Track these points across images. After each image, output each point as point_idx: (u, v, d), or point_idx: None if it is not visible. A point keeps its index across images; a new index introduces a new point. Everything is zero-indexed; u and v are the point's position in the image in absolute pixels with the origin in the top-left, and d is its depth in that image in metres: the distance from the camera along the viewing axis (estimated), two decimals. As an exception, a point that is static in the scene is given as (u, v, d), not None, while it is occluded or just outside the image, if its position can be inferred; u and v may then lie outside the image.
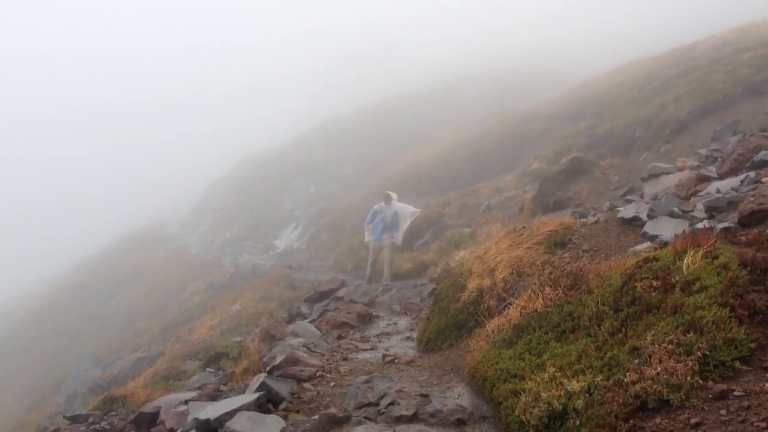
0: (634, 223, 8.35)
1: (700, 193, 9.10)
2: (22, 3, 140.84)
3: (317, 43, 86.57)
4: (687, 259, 5.27)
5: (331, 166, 42.91)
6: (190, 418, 5.99)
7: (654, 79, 19.81)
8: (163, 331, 20.20)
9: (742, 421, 3.63)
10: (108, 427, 7.90)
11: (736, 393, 3.91)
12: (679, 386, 4.02)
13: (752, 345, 4.19)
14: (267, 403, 5.97)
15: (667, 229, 7.51)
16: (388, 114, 48.47)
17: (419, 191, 25.68)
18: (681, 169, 11.14)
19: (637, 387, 4.12)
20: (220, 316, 17.49)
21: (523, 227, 9.48)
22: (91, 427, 8.03)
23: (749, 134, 10.25)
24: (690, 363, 4.13)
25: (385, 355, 7.88)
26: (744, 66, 15.87)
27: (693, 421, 3.78)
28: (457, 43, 60.80)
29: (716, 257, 5.16)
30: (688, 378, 4.04)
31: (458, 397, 5.96)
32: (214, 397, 7.17)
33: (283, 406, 6.02)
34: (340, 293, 13.78)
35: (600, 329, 5.10)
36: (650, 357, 4.32)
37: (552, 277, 6.45)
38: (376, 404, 5.79)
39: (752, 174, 8.52)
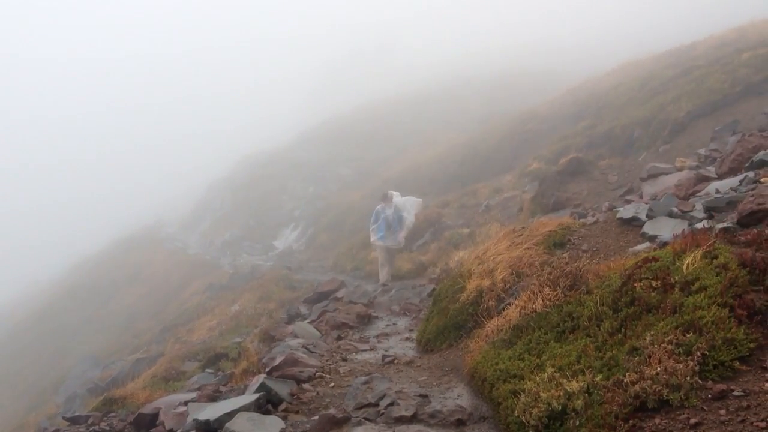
0: (633, 223, 8.35)
1: (699, 193, 9.10)
2: (26, 10, 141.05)
3: (316, 44, 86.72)
4: (686, 260, 5.27)
5: (330, 167, 42.92)
6: (189, 419, 6.00)
7: (653, 80, 19.82)
8: (163, 332, 20.19)
9: (742, 421, 3.63)
10: (107, 428, 7.89)
11: (735, 393, 3.91)
12: (679, 386, 4.02)
13: (751, 345, 4.19)
14: (266, 404, 5.97)
15: (666, 229, 7.51)
16: (387, 114, 48.50)
17: (418, 191, 25.61)
18: (680, 169, 11.14)
19: (637, 387, 4.12)
20: (220, 317, 17.49)
21: (522, 227, 9.49)
22: (91, 428, 8.02)
23: (748, 134, 10.25)
24: (689, 363, 4.13)
25: (384, 356, 7.88)
26: (743, 66, 15.87)
27: (692, 421, 3.78)
28: (456, 44, 60.87)
29: (715, 257, 5.16)
30: (688, 378, 4.04)
31: (458, 397, 5.96)
32: (213, 398, 7.16)
33: (282, 406, 6.02)
34: (340, 294, 13.79)
35: (599, 329, 5.11)
36: (650, 357, 4.32)
37: (551, 277, 6.45)
38: (376, 405, 5.79)
39: (751, 174, 8.52)
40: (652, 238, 7.51)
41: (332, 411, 5.58)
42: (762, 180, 7.97)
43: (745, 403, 3.78)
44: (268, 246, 34.15)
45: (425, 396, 5.91)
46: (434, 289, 10.85)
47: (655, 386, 4.06)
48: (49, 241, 60.62)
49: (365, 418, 5.58)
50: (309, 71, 77.77)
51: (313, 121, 56.19)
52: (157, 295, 30.42)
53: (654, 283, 5.16)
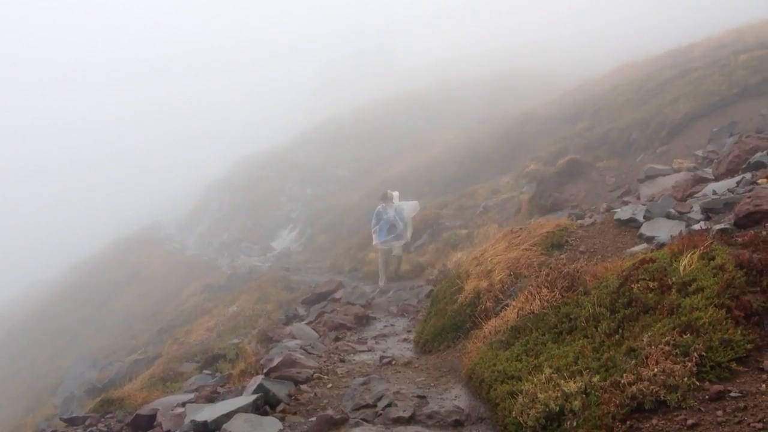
0: (631, 224, 8.36)
1: (696, 195, 9.12)
2: (26, 10, 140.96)
3: (315, 45, 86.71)
4: (683, 261, 5.28)
5: (329, 168, 42.93)
6: (187, 420, 5.99)
7: (651, 81, 19.84)
8: (160, 333, 20.17)
9: (739, 422, 3.64)
10: (105, 429, 7.88)
11: (732, 394, 3.91)
12: (676, 387, 4.03)
13: (748, 346, 4.20)
14: (264, 405, 5.98)
15: (663, 230, 7.53)
16: (385, 115, 48.53)
17: (416, 192, 25.65)
18: (677, 171, 11.15)
19: (634, 388, 4.13)
20: (217, 318, 17.48)
21: (520, 229, 9.50)
22: (88, 430, 8.02)
23: (745, 136, 10.27)
24: (687, 364, 4.14)
25: (382, 357, 7.89)
26: (740, 68, 15.89)
27: (690, 422, 3.79)
28: (455, 45, 60.87)
29: (712, 258, 5.18)
30: (685, 379, 4.04)
31: (455, 398, 5.96)
32: (211, 399, 7.16)
33: (280, 407, 6.02)
34: (338, 295, 13.78)
35: (597, 330, 5.11)
36: (647, 358, 4.33)
37: (549, 278, 6.46)
38: (374, 406, 5.79)
39: (748, 175, 8.54)
40: (649, 240, 7.53)
41: (330, 412, 5.58)
42: (759, 181, 7.99)
43: (742, 404, 3.78)
44: (266, 247, 34.14)
45: (423, 397, 5.92)
46: (432, 290, 10.86)
47: (652, 387, 4.07)
48: (48, 242, 60.51)
49: (363, 419, 5.58)
50: (309, 72, 77.79)
51: (312, 121, 56.22)
52: (155, 296, 30.38)
53: (651, 285, 5.18)
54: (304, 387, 6.64)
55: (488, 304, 7.59)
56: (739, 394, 3.89)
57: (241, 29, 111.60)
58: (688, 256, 5.33)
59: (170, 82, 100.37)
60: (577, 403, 4.31)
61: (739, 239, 5.72)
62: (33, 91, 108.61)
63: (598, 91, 24.23)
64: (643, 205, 8.98)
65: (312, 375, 7.04)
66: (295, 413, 5.94)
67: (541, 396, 4.53)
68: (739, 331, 4.27)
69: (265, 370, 7.21)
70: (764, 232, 5.73)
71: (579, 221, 9.62)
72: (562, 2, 59.25)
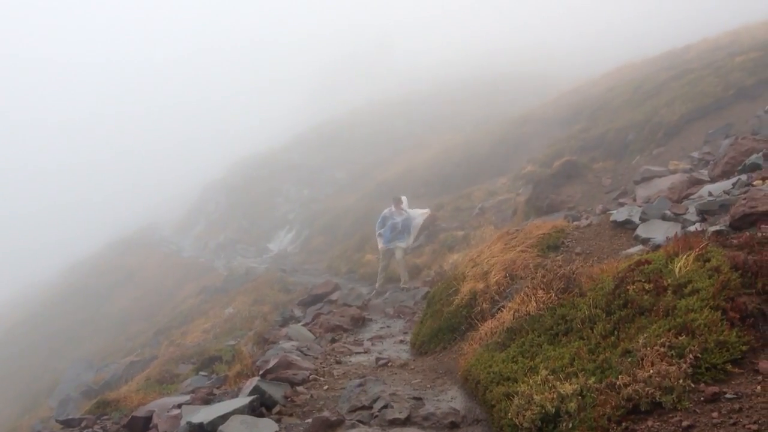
0: (627, 226, 8.37)
1: (692, 196, 9.13)
2: (25, 11, 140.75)
3: (312, 47, 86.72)
4: (679, 262, 5.29)
5: (325, 169, 42.93)
6: (183, 422, 5.98)
7: (647, 83, 19.88)
8: (157, 334, 20.15)
9: (734, 424, 3.64)
10: (101, 431, 7.87)
11: (727, 396, 3.92)
12: (672, 389, 4.03)
13: (744, 348, 4.20)
14: (260, 406, 5.97)
15: (659, 232, 7.54)
16: (382, 117, 48.52)
17: (413, 194, 25.62)
18: (673, 172, 11.18)
19: (630, 390, 4.13)
20: (214, 320, 17.46)
21: (517, 230, 9.50)
22: (84, 431, 8.01)
23: (741, 137, 10.30)
24: (682, 366, 4.14)
25: (378, 359, 7.88)
26: (736, 69, 15.93)
27: (685, 423, 3.79)
28: (452, 47, 60.98)
29: (708, 260, 5.18)
30: (680, 381, 4.05)
31: (451, 400, 5.96)
32: (207, 400, 7.15)
33: (276, 409, 6.02)
34: (334, 296, 13.78)
35: (592, 332, 5.12)
36: (642, 360, 4.33)
37: (545, 280, 6.47)
38: (370, 407, 5.79)
39: (744, 177, 8.57)
40: (645, 241, 7.54)
41: (326, 414, 5.58)
42: (755, 183, 8.01)
43: (737, 406, 3.79)
44: (263, 249, 34.12)
45: (419, 399, 5.92)
46: (428, 292, 10.86)
47: (647, 389, 4.07)
48: (44, 244, 60.43)
49: (359, 421, 5.58)
50: (307, 73, 77.81)
51: (309, 123, 56.20)
52: (152, 298, 30.36)
53: (647, 286, 5.18)
54: (300, 388, 6.63)
55: (484, 305, 7.59)
56: (735, 396, 3.89)
57: (240, 31, 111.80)
58: (684, 257, 5.33)
59: (168, 83, 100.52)
60: (572, 405, 4.31)
61: (735, 241, 5.73)
62: (30, 92, 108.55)
63: (594, 92, 24.28)
64: (639, 206, 9.00)
65: (308, 376, 7.04)
66: (291, 415, 5.94)
67: (536, 397, 4.53)
68: (735, 333, 4.27)
69: (261, 372, 7.21)
70: (759, 234, 5.75)
71: (575, 223, 9.64)
72: (560, 4, 59.41)
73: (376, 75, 64.15)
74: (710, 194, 8.57)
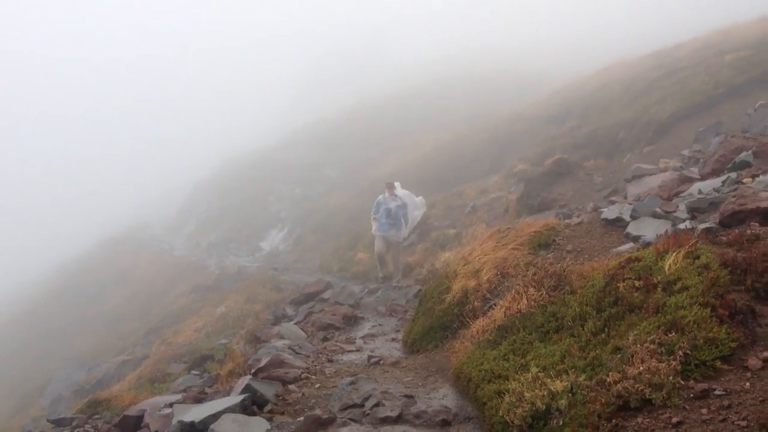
0: (617, 223, 8.40)
1: (682, 194, 9.18)
2: (26, 12, 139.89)
3: (302, 45, 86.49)
4: (669, 260, 5.32)
5: (317, 168, 42.82)
6: (174, 421, 5.97)
7: (638, 81, 19.95)
8: (148, 333, 20.07)
9: (723, 420, 3.67)
10: (92, 430, 7.84)
11: (717, 392, 3.94)
12: (661, 386, 4.05)
13: (733, 344, 4.23)
14: (252, 405, 5.96)
15: (649, 229, 7.57)
16: (373, 115, 48.43)
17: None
18: (664, 170, 11.23)
19: (620, 386, 4.15)
20: (206, 319, 17.41)
21: (508, 228, 9.52)
22: (75, 431, 7.97)
23: (731, 135, 10.36)
24: (672, 362, 4.16)
25: (370, 357, 7.89)
26: (726, 68, 16.02)
27: (674, 420, 3.81)
28: (444, 45, 60.89)
29: (697, 257, 5.21)
30: (670, 377, 4.07)
31: (443, 398, 5.97)
32: (199, 399, 7.14)
33: (268, 408, 6.01)
34: (326, 295, 13.78)
35: (583, 329, 5.14)
36: (632, 357, 4.36)
37: (536, 277, 6.49)
38: (361, 405, 5.79)
39: (734, 175, 8.62)
40: (635, 239, 7.57)
41: (318, 412, 5.58)
42: (744, 181, 8.06)
43: (726, 402, 3.81)
44: (255, 247, 34.04)
45: (411, 396, 5.92)
46: (420, 290, 10.88)
47: (637, 385, 4.09)
48: (34, 243, 60.15)
49: (351, 419, 5.58)
50: (295, 71, 77.64)
51: (300, 121, 56.02)
52: (143, 297, 30.24)
53: (637, 283, 5.21)
54: (291, 387, 6.63)
55: (476, 303, 7.60)
56: (724, 393, 3.92)
57: (230, 28, 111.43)
58: (674, 255, 5.36)
59: (158, 81, 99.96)
60: (563, 402, 4.33)
61: (724, 238, 5.77)
62: (21, 90, 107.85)
63: (586, 90, 24.35)
64: (630, 204, 9.03)
65: (300, 375, 7.04)
66: (282, 413, 5.94)
67: (527, 395, 4.55)
68: (724, 330, 4.30)
69: (252, 371, 7.20)
70: (749, 231, 5.78)
71: (566, 221, 9.66)
72: (551, 2, 59.47)
73: (367, 73, 64.07)
74: (700, 192, 8.61)
